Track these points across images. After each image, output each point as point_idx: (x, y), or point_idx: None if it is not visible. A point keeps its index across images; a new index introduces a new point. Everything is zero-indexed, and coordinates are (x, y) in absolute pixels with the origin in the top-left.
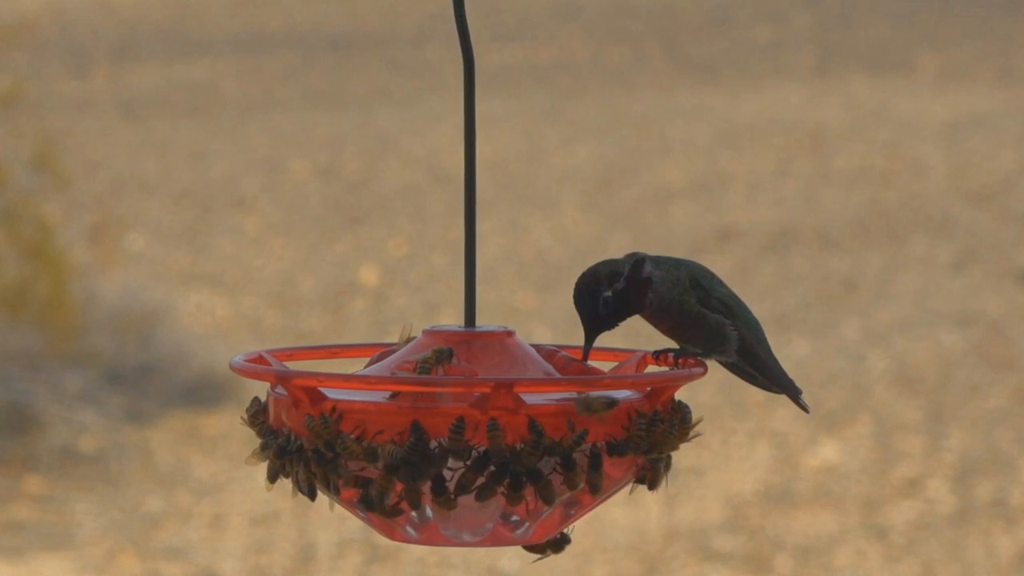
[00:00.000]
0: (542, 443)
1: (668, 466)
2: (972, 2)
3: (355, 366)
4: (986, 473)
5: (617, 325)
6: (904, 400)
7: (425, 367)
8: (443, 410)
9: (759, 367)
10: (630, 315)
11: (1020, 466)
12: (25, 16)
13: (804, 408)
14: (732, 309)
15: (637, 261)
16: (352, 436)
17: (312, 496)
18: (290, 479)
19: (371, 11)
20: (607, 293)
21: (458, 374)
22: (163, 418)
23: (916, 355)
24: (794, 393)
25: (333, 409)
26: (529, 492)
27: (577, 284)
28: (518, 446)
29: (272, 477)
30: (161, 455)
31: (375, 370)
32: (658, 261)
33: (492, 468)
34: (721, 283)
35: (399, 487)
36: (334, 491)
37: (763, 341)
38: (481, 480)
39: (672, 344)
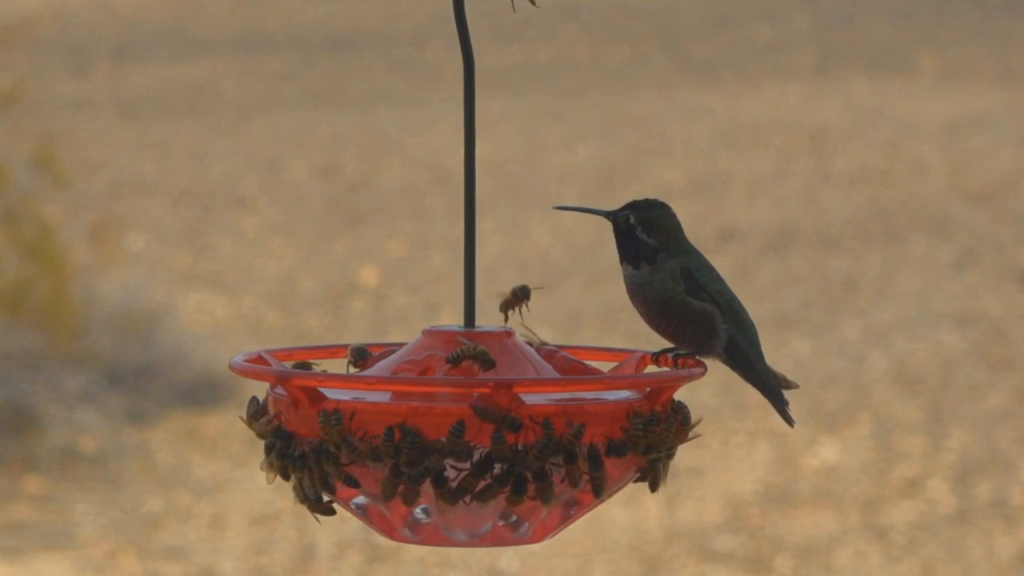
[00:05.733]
0: (551, 444)
1: (668, 466)
2: (972, 2)
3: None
4: (986, 473)
5: (622, 241)
6: (904, 400)
7: (459, 355)
8: (443, 410)
9: (746, 370)
10: (624, 246)
11: (1020, 466)
12: (25, 16)
13: (789, 421)
14: (722, 306)
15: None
16: (357, 436)
17: (319, 502)
18: (292, 483)
19: (371, 11)
20: (632, 218)
21: (457, 375)
22: (163, 418)
23: (916, 355)
24: (780, 403)
25: (336, 409)
26: (531, 492)
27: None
28: (520, 447)
29: (283, 475)
30: (161, 455)
31: (375, 370)
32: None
33: (496, 470)
34: (719, 279)
35: (401, 487)
36: (331, 491)
37: (755, 344)
38: (484, 482)
39: (670, 344)
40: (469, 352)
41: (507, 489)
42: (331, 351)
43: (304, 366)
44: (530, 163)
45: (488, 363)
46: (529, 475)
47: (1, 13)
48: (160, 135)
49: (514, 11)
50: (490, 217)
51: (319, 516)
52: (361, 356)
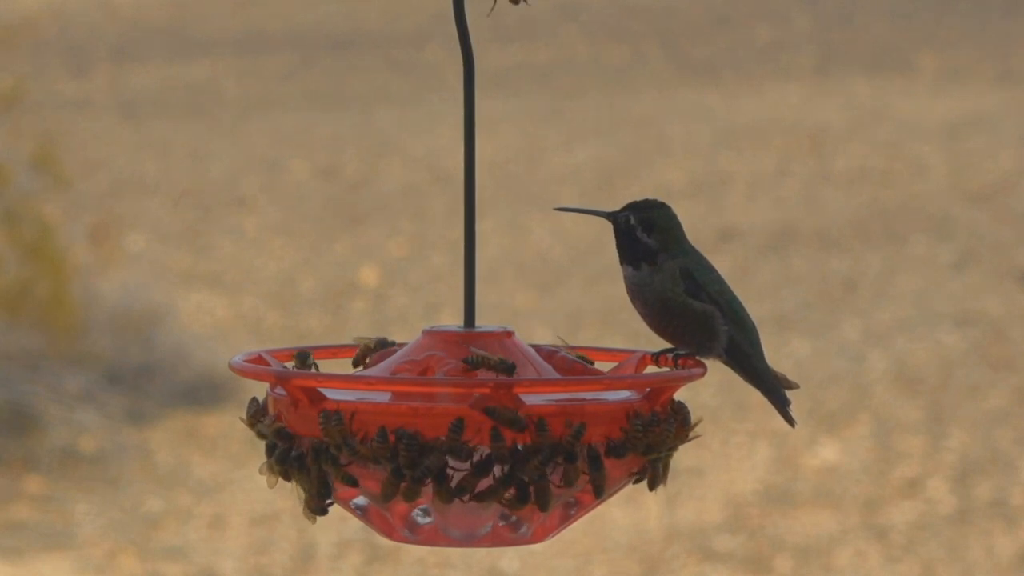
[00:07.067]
0: (546, 442)
1: (668, 465)
2: (972, 2)
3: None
4: (986, 473)
5: (620, 235)
6: (904, 400)
7: (478, 363)
8: (443, 410)
9: (747, 371)
10: (623, 247)
11: (1020, 466)
12: (25, 16)
13: (790, 421)
14: (722, 306)
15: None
16: (358, 437)
17: (326, 499)
18: (294, 484)
19: (371, 11)
20: (632, 219)
21: (457, 375)
22: (163, 418)
23: (916, 355)
24: (782, 403)
25: (338, 410)
26: (531, 497)
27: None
28: (520, 447)
29: (283, 477)
30: (161, 455)
31: (375, 371)
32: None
33: (496, 472)
34: (720, 280)
35: (404, 484)
36: (330, 491)
37: (756, 344)
38: (484, 483)
39: (670, 344)
40: (487, 363)
41: (509, 494)
42: (331, 351)
43: (303, 356)
44: (530, 163)
45: (508, 373)
46: (530, 478)
47: (1, 13)
48: (160, 135)
49: None
50: (490, 217)
51: (315, 516)
52: (380, 347)
